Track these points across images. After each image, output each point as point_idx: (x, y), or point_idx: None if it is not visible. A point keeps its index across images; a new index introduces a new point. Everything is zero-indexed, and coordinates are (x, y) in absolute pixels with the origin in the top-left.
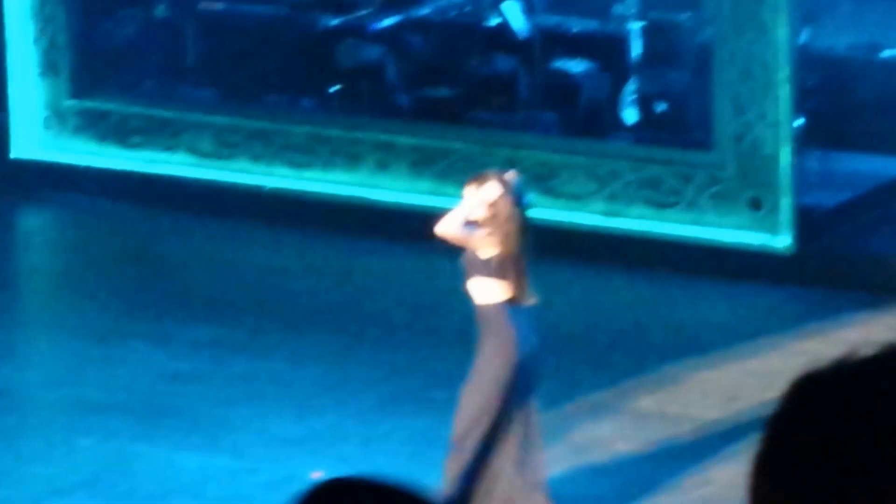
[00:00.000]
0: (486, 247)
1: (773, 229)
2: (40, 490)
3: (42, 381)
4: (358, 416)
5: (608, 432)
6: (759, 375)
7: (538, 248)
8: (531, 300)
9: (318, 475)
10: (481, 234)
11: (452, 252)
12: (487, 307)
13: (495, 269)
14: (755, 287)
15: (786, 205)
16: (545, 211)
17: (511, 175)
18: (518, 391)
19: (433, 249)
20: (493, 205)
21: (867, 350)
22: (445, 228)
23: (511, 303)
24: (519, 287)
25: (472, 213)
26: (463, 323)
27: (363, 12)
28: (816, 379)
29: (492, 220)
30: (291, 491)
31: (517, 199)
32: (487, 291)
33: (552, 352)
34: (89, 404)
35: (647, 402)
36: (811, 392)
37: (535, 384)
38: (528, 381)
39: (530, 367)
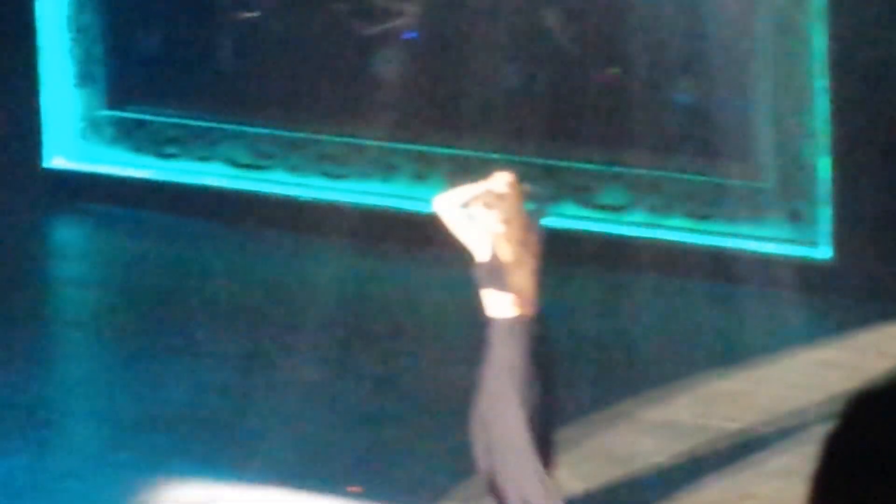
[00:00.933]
0: (478, 248)
1: (812, 240)
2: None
3: (76, 393)
4: (396, 426)
5: (648, 445)
6: (799, 387)
7: (579, 258)
8: (533, 309)
9: (355, 489)
10: (475, 233)
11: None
12: (497, 320)
13: (503, 281)
14: (795, 298)
15: (825, 216)
16: (585, 222)
17: (525, 188)
18: (533, 400)
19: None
20: (498, 196)
21: None
22: (444, 205)
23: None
24: (526, 298)
25: (474, 197)
26: None
27: (398, 21)
28: (872, 395)
29: (493, 214)
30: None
31: (526, 208)
32: (497, 304)
33: (591, 360)
34: (123, 417)
35: (686, 413)
36: (868, 408)
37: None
38: (538, 389)
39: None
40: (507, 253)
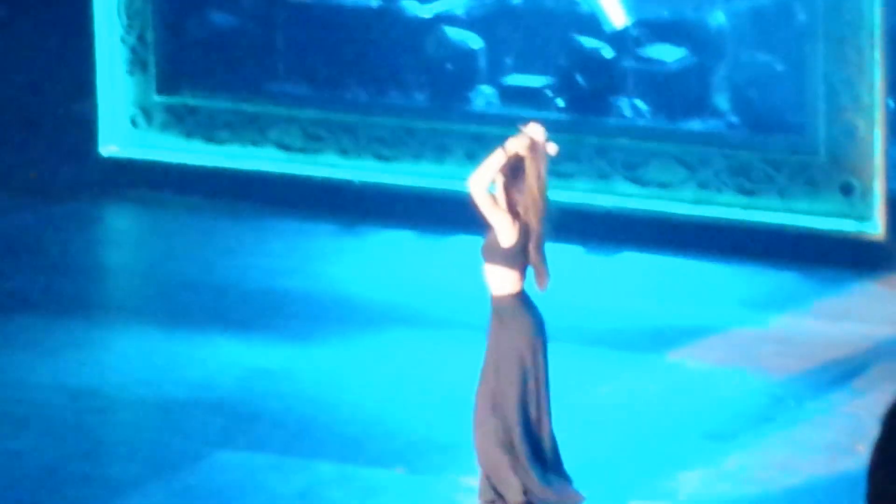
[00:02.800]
0: (508, 229)
1: (864, 215)
2: (124, 489)
3: (128, 380)
4: (448, 410)
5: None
6: (843, 363)
7: (629, 236)
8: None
9: (401, 471)
10: (503, 211)
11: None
12: (502, 297)
13: (513, 258)
14: (846, 275)
15: (877, 190)
16: (635, 199)
17: (547, 144)
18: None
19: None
20: (532, 147)
21: None
22: (476, 184)
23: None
24: (540, 274)
25: (502, 159)
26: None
27: (453, 2)
28: None
29: (520, 181)
30: (367, 488)
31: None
32: (503, 281)
33: (642, 341)
34: (173, 403)
35: None
36: None
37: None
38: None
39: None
40: (533, 221)
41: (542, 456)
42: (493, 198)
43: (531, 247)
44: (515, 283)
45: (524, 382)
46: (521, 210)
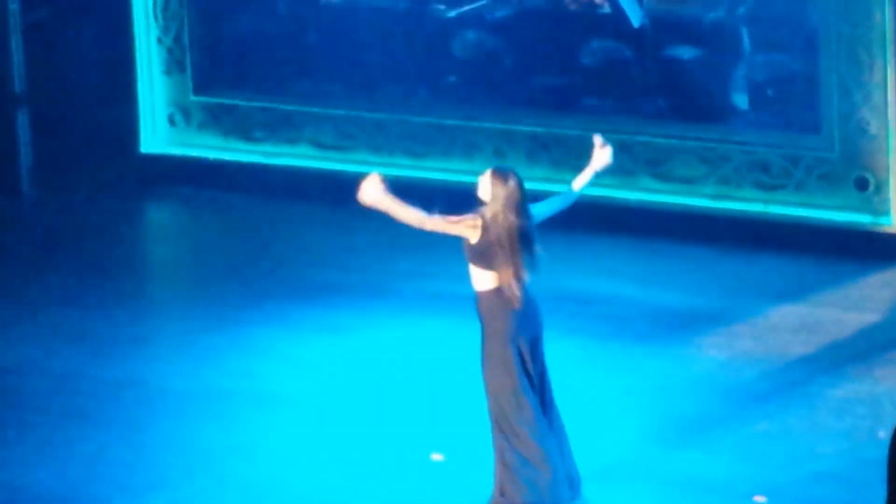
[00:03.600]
0: (469, 232)
1: (878, 209)
2: (168, 476)
3: (170, 371)
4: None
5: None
6: (867, 347)
7: (651, 230)
8: (526, 278)
9: (438, 458)
10: (455, 223)
11: (571, 238)
12: (480, 294)
13: (481, 255)
14: (862, 266)
15: (891, 184)
16: (657, 195)
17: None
18: (521, 372)
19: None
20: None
21: None
22: (427, 225)
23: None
24: (511, 274)
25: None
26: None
27: (480, 3)
28: None
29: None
30: (411, 478)
31: (505, 180)
32: (478, 278)
33: (668, 332)
34: (216, 393)
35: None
36: None
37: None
38: (528, 362)
39: (527, 344)
40: (490, 231)
41: (533, 457)
42: (444, 219)
43: (499, 243)
44: (489, 280)
45: (512, 379)
46: (485, 211)
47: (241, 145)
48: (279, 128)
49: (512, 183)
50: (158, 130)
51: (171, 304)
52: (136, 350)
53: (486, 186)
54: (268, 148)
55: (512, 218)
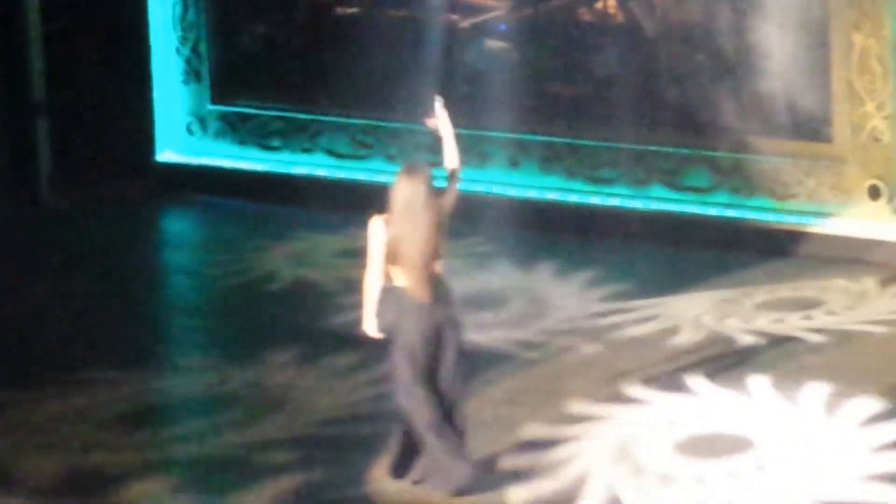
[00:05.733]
0: (381, 233)
1: (890, 217)
2: (184, 482)
3: (186, 378)
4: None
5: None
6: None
7: (665, 240)
8: (423, 296)
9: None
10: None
11: (583, 249)
12: (396, 289)
13: (392, 254)
14: (875, 276)
15: None
16: (670, 203)
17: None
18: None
19: (561, 243)
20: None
21: None
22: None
23: (400, 290)
24: (417, 269)
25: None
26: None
27: (494, 13)
28: None
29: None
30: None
31: (411, 177)
32: (393, 276)
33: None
34: (231, 400)
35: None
36: None
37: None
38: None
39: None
40: (397, 229)
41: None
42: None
43: (406, 239)
44: (393, 278)
45: (415, 370)
46: (393, 208)
47: (257, 154)
48: (295, 137)
49: (418, 179)
50: (176, 139)
51: (186, 311)
52: (152, 356)
53: (395, 184)
54: (284, 157)
55: (418, 214)
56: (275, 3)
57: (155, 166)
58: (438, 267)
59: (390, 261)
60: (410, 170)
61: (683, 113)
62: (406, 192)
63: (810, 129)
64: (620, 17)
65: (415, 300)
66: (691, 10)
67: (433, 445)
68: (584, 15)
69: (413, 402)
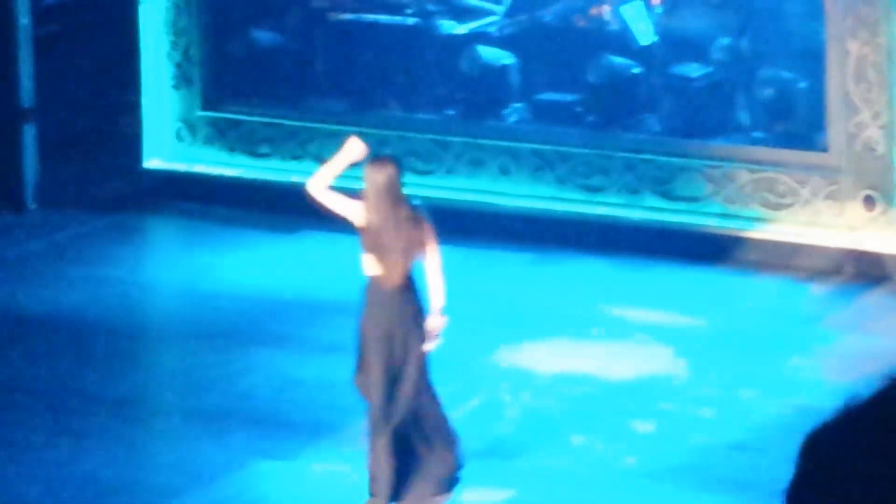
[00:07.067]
0: (353, 215)
1: (886, 228)
2: (164, 498)
3: (168, 390)
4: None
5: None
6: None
7: (659, 251)
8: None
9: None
10: (344, 202)
11: (574, 255)
12: (368, 279)
13: (365, 243)
14: (869, 286)
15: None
16: (663, 213)
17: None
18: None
19: (553, 253)
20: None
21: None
22: (313, 185)
23: (377, 280)
24: (382, 266)
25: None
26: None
27: (487, 20)
28: (822, 437)
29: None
30: None
31: (381, 168)
32: (366, 265)
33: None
34: (213, 413)
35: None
36: (819, 452)
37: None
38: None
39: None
40: (370, 218)
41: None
42: (332, 193)
43: (377, 230)
44: (366, 267)
45: (378, 365)
46: (365, 198)
47: (246, 161)
48: (284, 144)
49: (388, 171)
50: (164, 145)
51: (172, 321)
52: (135, 367)
53: (365, 175)
54: (273, 164)
55: (387, 205)
56: (266, 9)
57: (143, 172)
58: (409, 265)
59: (365, 249)
60: (375, 160)
61: (677, 120)
62: (373, 181)
63: (806, 138)
64: (615, 24)
65: (384, 289)
66: (685, 19)
67: (370, 445)
68: (578, 21)
69: (370, 393)
